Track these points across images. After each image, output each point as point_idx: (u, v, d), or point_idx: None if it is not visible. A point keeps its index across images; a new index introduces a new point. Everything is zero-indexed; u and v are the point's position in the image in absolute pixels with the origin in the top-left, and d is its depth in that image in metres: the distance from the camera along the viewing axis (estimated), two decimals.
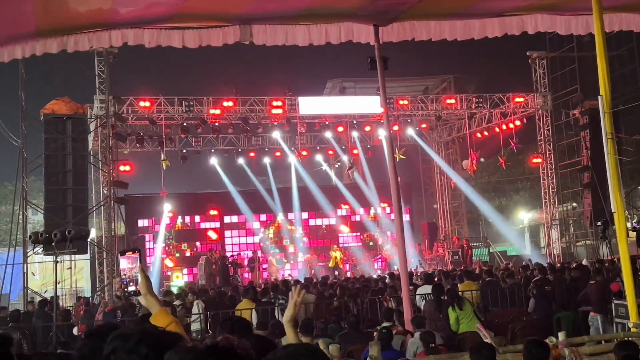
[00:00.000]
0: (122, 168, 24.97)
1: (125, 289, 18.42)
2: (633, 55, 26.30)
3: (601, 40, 8.78)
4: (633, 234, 16.53)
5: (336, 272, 27.29)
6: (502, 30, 12.58)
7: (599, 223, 20.09)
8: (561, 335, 6.61)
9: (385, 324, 10.66)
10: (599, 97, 8.69)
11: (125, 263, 21.86)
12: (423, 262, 29.10)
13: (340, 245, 30.89)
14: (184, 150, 29.00)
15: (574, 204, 31.63)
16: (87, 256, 25.07)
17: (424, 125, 31.75)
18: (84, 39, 11.32)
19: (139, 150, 28.39)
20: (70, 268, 22.57)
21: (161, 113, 25.89)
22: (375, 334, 9.27)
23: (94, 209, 24.60)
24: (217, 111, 26.27)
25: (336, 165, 37.93)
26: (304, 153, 29.95)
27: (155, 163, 28.09)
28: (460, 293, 13.15)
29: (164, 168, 27.04)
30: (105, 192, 24.05)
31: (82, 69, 23.60)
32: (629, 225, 20.18)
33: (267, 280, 24.97)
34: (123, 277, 22.56)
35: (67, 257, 20.67)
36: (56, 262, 14.70)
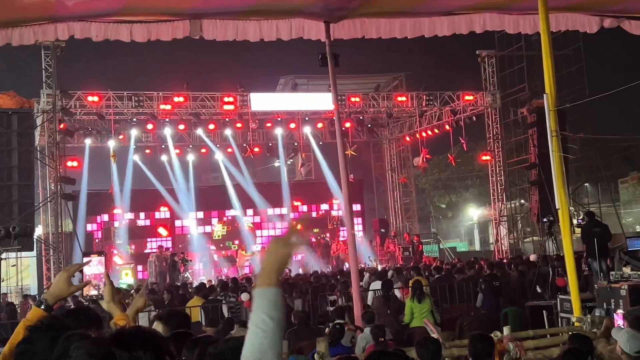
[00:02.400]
0: (69, 164, 24.52)
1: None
2: (579, 55, 26.80)
3: (547, 39, 8.93)
4: (578, 230, 16.88)
5: (300, 269, 27.13)
6: (451, 29, 12.73)
7: (545, 219, 20.46)
8: (506, 330, 6.71)
9: (337, 322, 10.68)
10: (545, 95, 8.84)
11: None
12: (376, 259, 29.15)
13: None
14: (134, 146, 28.57)
15: (522, 201, 32.17)
16: (34, 253, 24.58)
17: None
18: (29, 32, 11.09)
19: (87, 145, 27.90)
20: (15, 265, 22.10)
21: (110, 108, 25.50)
22: (326, 330, 9.28)
23: (41, 205, 24.11)
24: (168, 106, 25.99)
25: (288, 162, 37.93)
26: (256, 149, 29.82)
27: (104, 159, 27.65)
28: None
29: (114, 163, 26.64)
30: (52, 188, 23.61)
31: (28, 62, 23.12)
32: (575, 221, 20.62)
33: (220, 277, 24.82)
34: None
35: (12, 254, 20.23)
36: (0, 259, 14.39)
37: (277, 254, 2.38)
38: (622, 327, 6.47)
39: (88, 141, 26.85)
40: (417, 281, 12.95)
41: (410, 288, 12.42)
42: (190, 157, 30.53)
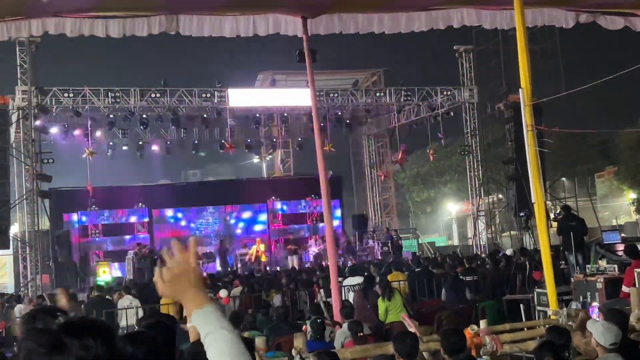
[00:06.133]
0: (45, 161, 24.28)
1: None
2: (556, 50, 27.00)
3: (522, 34, 8.98)
4: (555, 224, 16.99)
5: (279, 267, 27.06)
6: (429, 24, 12.75)
7: (522, 214, 20.56)
8: (483, 324, 6.74)
9: (316, 317, 10.68)
10: (520, 90, 8.89)
11: None
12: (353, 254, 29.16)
13: (269, 238, 30.77)
14: (111, 143, 28.38)
15: (500, 196, 32.38)
16: (10, 251, 24.36)
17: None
18: (2, 29, 10.96)
19: (63, 142, 27.66)
20: None
21: (86, 104, 25.29)
22: (304, 327, 9.27)
23: (16, 202, 23.87)
24: (145, 103, 25.82)
25: (267, 158, 37.89)
26: (234, 146, 29.71)
27: (81, 156, 27.40)
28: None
29: (91, 160, 26.44)
30: (28, 185, 23.38)
31: (3, 59, 22.85)
32: (551, 215, 20.75)
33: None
34: None
35: None
36: None
37: (178, 281, 2.23)
38: (597, 319, 6.53)
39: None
40: (382, 279, 13.00)
41: (378, 287, 12.44)
42: (169, 154, 30.34)
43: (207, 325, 2.16)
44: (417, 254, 28.80)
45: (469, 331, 6.32)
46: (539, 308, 11.76)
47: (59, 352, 1.89)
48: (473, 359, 5.87)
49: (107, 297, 15.26)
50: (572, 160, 34.06)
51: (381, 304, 11.91)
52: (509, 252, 20.24)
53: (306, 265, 25.42)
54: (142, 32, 11.42)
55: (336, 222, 28.67)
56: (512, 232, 29.76)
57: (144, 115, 26.91)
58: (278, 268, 25.71)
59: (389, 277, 14.94)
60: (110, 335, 1.97)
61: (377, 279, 14.30)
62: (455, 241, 47.15)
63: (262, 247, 28.06)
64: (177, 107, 26.67)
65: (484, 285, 15.19)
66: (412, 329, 6.69)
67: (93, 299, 15.24)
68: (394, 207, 37.24)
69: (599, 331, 5.53)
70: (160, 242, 28.89)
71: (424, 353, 6.40)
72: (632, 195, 41.79)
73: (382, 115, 32.82)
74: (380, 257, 26.76)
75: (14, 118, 23.01)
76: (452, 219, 51.37)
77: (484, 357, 6.33)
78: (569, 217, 15.82)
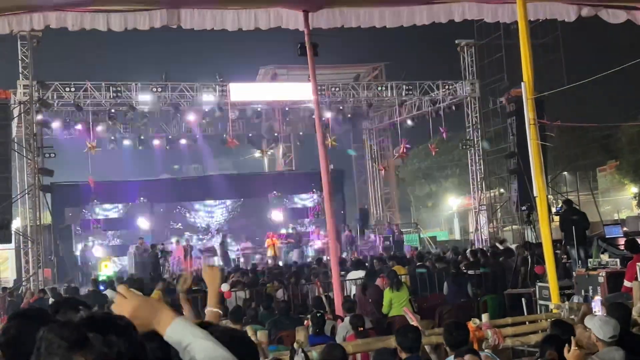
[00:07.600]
0: (47, 155, 24.27)
1: None
2: (558, 44, 26.94)
3: (524, 28, 8.96)
4: (557, 219, 16.96)
5: (280, 262, 26.99)
6: (430, 18, 12.72)
7: (524, 208, 20.53)
8: (484, 317, 6.75)
9: (317, 311, 10.68)
10: (522, 83, 8.88)
11: None
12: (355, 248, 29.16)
13: (275, 232, 30.76)
14: (112, 137, 28.37)
15: (502, 190, 32.34)
16: (12, 246, 24.39)
17: None
18: (3, 22, 10.94)
19: (65, 137, 27.65)
20: None
21: (87, 99, 25.26)
22: (305, 322, 9.27)
23: (18, 197, 23.88)
24: (146, 97, 25.79)
25: (269, 153, 37.85)
26: (236, 140, 29.66)
27: (82, 150, 27.39)
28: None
29: (93, 154, 26.43)
30: (30, 180, 23.38)
31: (4, 53, 22.87)
32: (553, 209, 20.71)
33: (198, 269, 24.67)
34: None
35: None
36: None
37: (137, 317, 2.18)
38: (595, 314, 6.52)
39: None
40: (393, 270, 12.98)
41: (387, 277, 12.44)
42: (171, 148, 30.32)
43: (182, 338, 2.15)
44: (418, 248, 28.88)
45: (471, 325, 6.32)
46: (540, 302, 11.77)
47: (81, 347, 1.84)
48: (475, 352, 5.88)
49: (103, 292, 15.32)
50: (574, 155, 33.99)
51: (387, 295, 11.92)
52: (513, 246, 20.20)
53: (308, 260, 25.40)
54: (143, 25, 11.40)
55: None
56: (514, 227, 29.73)
57: (145, 110, 26.88)
58: (280, 262, 25.71)
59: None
60: (132, 333, 1.94)
61: (379, 272, 14.36)
62: (457, 235, 47.11)
63: (278, 242, 27.89)
64: (178, 102, 26.63)
65: (486, 279, 15.21)
66: (414, 323, 6.69)
67: (88, 294, 15.32)
68: (396, 201, 37.22)
69: (596, 326, 5.52)
70: (160, 237, 28.91)
71: (425, 347, 6.41)
72: (633, 189, 41.71)
73: (384, 109, 32.77)
74: (382, 251, 26.78)
75: (15, 112, 23.00)
76: (453, 213, 51.30)
77: (485, 350, 6.34)
78: (570, 211, 15.80)
